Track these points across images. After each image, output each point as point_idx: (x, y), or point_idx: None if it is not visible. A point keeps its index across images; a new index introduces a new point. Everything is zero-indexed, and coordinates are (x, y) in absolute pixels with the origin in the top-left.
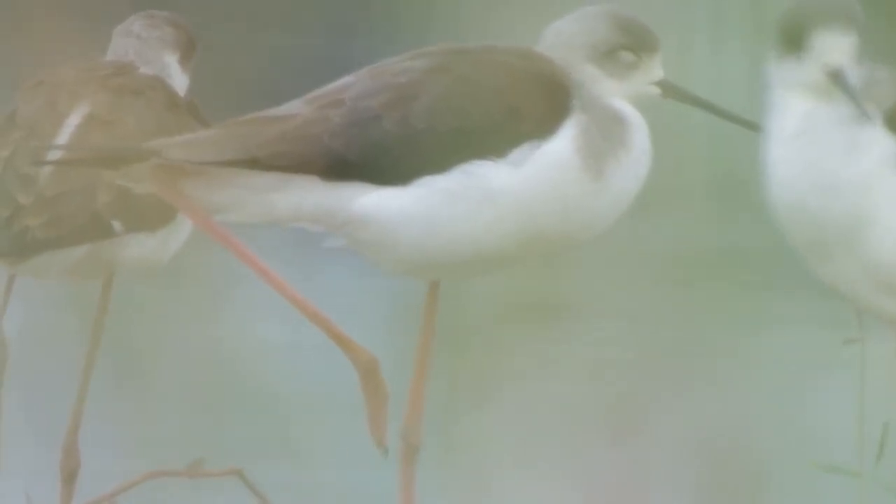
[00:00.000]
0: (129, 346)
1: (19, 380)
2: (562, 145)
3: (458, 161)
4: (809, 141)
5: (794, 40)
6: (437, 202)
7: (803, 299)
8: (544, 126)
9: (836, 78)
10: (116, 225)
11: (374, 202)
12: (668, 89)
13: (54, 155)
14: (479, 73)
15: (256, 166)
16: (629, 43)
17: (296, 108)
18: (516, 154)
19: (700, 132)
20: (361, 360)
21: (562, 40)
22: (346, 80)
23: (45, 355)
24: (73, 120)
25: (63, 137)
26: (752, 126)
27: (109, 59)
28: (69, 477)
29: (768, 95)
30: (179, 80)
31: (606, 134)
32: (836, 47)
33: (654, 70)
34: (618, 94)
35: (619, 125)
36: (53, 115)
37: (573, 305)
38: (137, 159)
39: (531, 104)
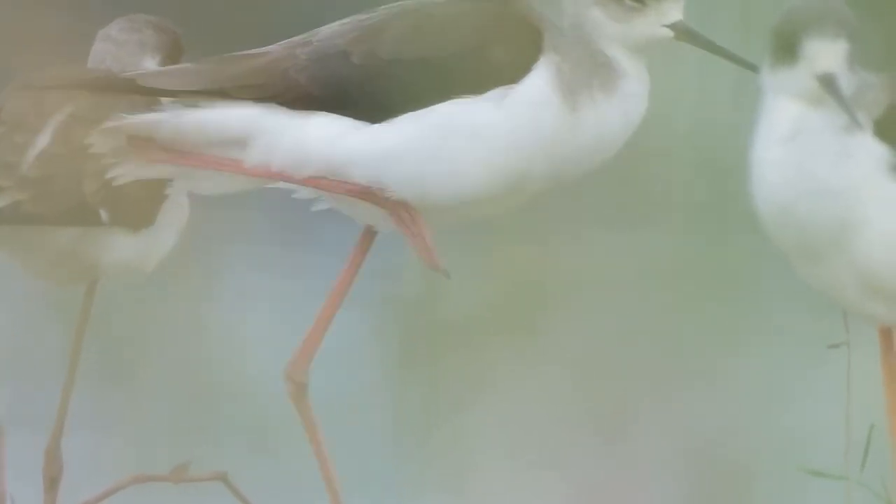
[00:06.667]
0: (114, 350)
1: (2, 385)
2: (537, 83)
3: (435, 97)
4: (800, 146)
5: (786, 48)
6: (426, 139)
7: (790, 303)
8: (515, 64)
9: (827, 83)
10: (104, 214)
11: (361, 142)
12: (682, 32)
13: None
14: (447, 9)
15: (225, 97)
16: None
17: (269, 48)
18: (493, 94)
19: (687, 134)
20: (388, 206)
21: None
22: (320, 28)
23: (27, 362)
24: (58, 117)
25: (46, 133)
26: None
27: (91, 68)
28: (52, 483)
29: (760, 102)
30: None
31: (584, 74)
32: (826, 53)
33: (667, 13)
34: (624, 38)
35: (604, 69)
36: (39, 112)
37: (558, 308)
38: (115, 88)
39: (499, 40)
